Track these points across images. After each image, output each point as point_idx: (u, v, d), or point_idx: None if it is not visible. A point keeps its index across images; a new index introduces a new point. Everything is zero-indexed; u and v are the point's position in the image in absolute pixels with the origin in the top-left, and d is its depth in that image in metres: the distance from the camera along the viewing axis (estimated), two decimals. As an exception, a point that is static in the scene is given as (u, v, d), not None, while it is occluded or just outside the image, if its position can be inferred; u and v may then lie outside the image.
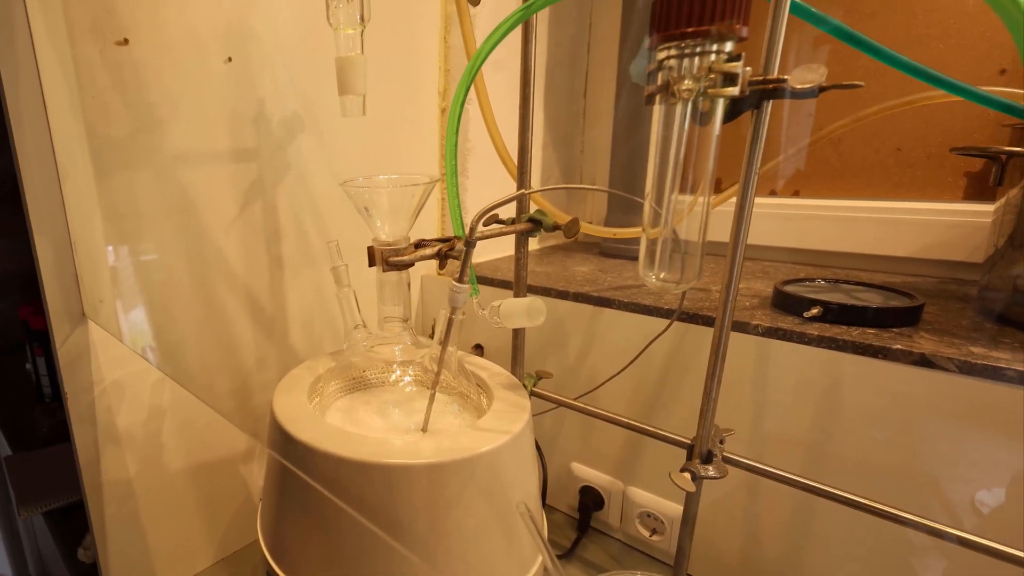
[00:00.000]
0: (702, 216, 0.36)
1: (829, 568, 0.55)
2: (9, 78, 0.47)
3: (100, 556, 0.60)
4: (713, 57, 0.33)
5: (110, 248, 0.56)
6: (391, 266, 0.47)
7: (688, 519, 0.51)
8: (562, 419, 0.74)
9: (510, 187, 0.58)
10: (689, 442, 0.49)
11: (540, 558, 0.49)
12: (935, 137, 0.65)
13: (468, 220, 0.84)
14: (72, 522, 0.81)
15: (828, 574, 0.56)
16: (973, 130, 0.62)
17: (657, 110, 0.35)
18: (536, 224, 0.54)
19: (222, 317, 0.65)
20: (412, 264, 0.48)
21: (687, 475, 0.48)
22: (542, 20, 0.87)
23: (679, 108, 0.35)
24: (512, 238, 0.58)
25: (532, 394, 0.64)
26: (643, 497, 0.68)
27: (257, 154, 0.64)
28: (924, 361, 0.44)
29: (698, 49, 0.33)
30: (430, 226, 0.85)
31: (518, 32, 0.51)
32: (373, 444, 0.43)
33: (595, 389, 0.64)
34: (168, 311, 0.60)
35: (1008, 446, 0.43)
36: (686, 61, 0.33)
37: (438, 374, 0.47)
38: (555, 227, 0.53)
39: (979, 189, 0.64)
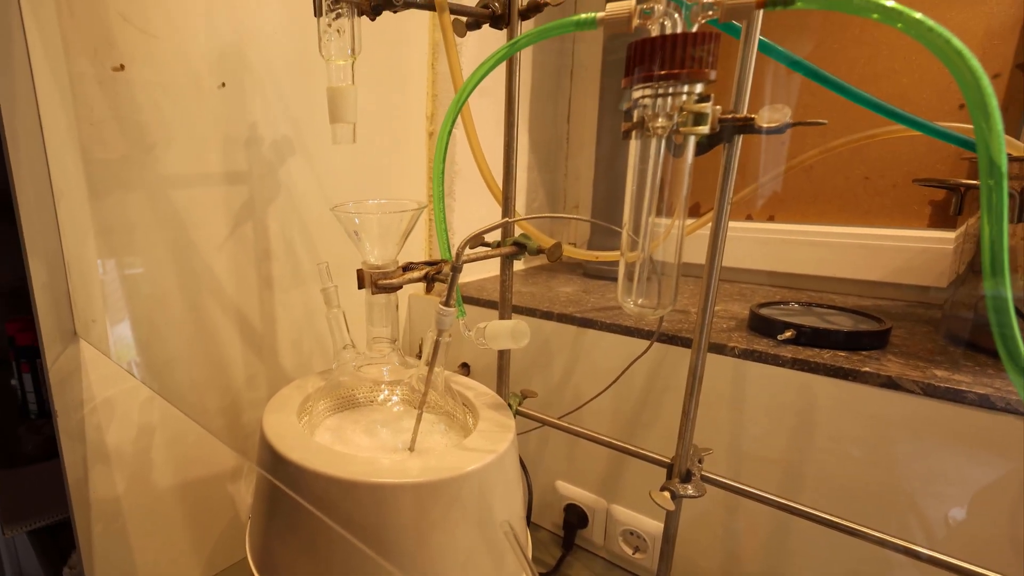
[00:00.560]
0: (677, 244, 0.38)
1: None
2: (6, 101, 0.48)
3: (86, 575, 0.60)
4: (684, 97, 0.35)
5: (100, 266, 0.56)
6: (380, 289, 0.48)
7: (669, 537, 0.52)
8: (547, 438, 0.75)
9: (496, 209, 0.60)
10: (668, 461, 0.50)
11: None
12: (901, 167, 0.68)
13: (455, 241, 0.86)
14: (58, 540, 0.80)
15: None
16: (936, 161, 0.65)
17: (633, 144, 0.37)
18: (520, 248, 0.55)
19: (212, 336, 0.66)
20: (400, 287, 0.49)
21: (666, 494, 0.49)
22: (526, 49, 0.90)
23: (654, 143, 0.36)
24: (498, 259, 0.60)
25: (517, 413, 0.65)
26: (626, 515, 0.68)
27: (248, 176, 0.65)
28: (891, 383, 0.46)
29: (670, 90, 0.35)
30: (418, 246, 0.87)
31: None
32: (361, 463, 0.43)
33: (578, 409, 0.65)
34: (159, 330, 0.61)
35: (970, 465, 0.45)
36: (659, 100, 0.35)
37: (425, 394, 0.48)
38: (539, 251, 0.55)
39: (943, 217, 0.67)
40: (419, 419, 0.49)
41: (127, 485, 0.61)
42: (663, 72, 0.34)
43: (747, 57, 0.36)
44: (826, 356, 0.51)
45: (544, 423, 0.63)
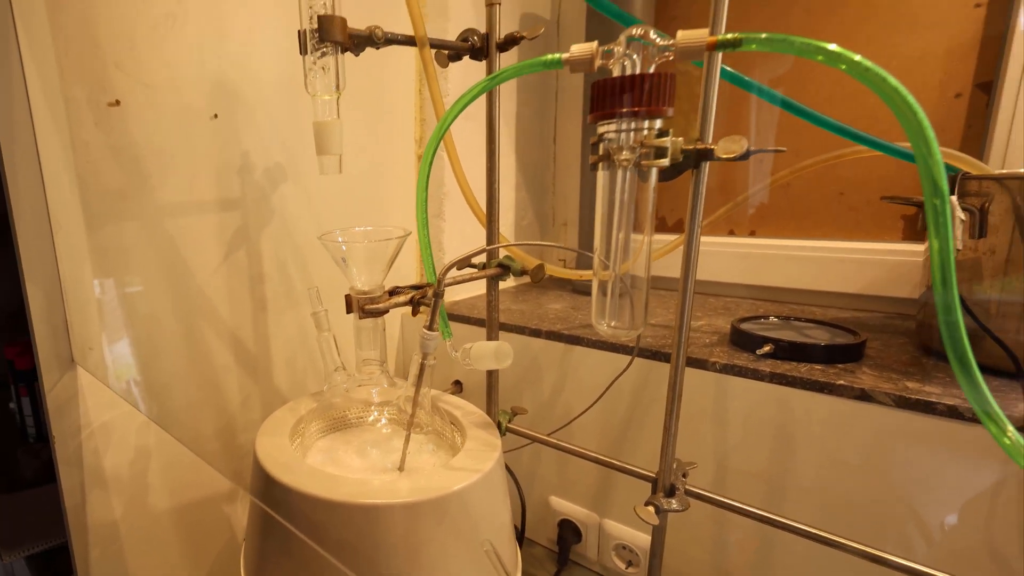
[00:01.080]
0: (645, 268, 0.39)
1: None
2: (5, 134, 0.50)
3: None
4: (645, 132, 0.37)
5: (98, 287, 0.58)
6: (367, 313, 0.49)
7: (656, 551, 0.53)
8: (540, 453, 0.75)
9: (483, 235, 0.61)
10: (653, 476, 0.51)
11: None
12: (873, 184, 0.70)
13: (446, 260, 0.87)
14: (55, 565, 0.80)
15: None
16: (905, 178, 0.67)
17: (601, 175, 0.39)
18: (505, 269, 0.57)
19: (208, 358, 0.67)
20: (386, 311, 0.50)
21: (651, 509, 0.50)
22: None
23: (620, 173, 0.38)
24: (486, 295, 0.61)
25: (508, 430, 0.66)
26: (618, 529, 0.69)
27: (242, 203, 0.67)
28: (865, 396, 0.47)
29: (632, 125, 0.36)
30: (411, 268, 0.88)
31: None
32: (352, 484, 0.44)
33: (566, 425, 0.66)
34: (155, 354, 0.62)
35: (942, 475, 0.46)
36: (623, 135, 0.37)
37: (412, 415, 0.49)
38: (522, 272, 0.56)
39: (914, 230, 0.68)
40: (407, 440, 0.50)
41: (124, 509, 0.62)
42: (624, 110, 0.35)
43: (709, 90, 0.38)
44: (803, 370, 0.52)
45: (533, 440, 0.64)
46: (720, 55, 0.36)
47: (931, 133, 0.28)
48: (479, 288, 0.93)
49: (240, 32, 0.63)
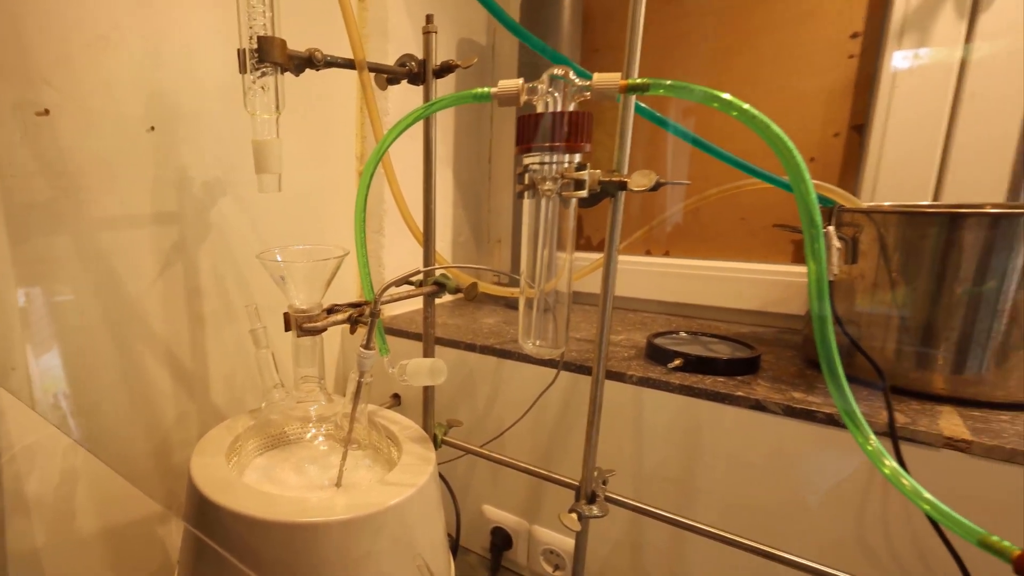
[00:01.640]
0: (567, 287, 0.41)
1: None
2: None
3: None
4: (566, 165, 0.39)
5: (22, 298, 0.54)
6: (305, 332, 0.49)
7: (579, 556, 0.55)
8: (474, 464, 0.76)
9: (420, 254, 0.62)
10: (576, 484, 0.53)
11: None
12: (769, 212, 0.76)
13: (386, 274, 0.87)
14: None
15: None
16: (796, 207, 0.73)
17: (527, 202, 0.41)
18: (440, 287, 0.58)
19: (142, 375, 0.64)
20: (324, 330, 0.50)
21: (574, 516, 0.52)
22: (446, 90, 0.92)
23: (543, 201, 0.40)
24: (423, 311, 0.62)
25: (443, 442, 0.67)
26: (546, 535, 0.71)
27: (179, 217, 0.64)
28: (759, 406, 0.51)
29: (554, 159, 0.39)
30: (351, 281, 0.87)
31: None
32: (289, 503, 0.44)
33: (498, 437, 0.67)
34: (86, 371, 0.59)
35: (823, 476, 0.50)
36: (546, 167, 0.39)
37: (349, 432, 0.49)
38: (457, 290, 0.57)
39: (802, 254, 0.75)
40: (344, 456, 0.50)
41: (48, 536, 0.58)
42: (546, 144, 0.37)
43: (625, 126, 0.41)
44: (708, 382, 0.55)
45: (467, 451, 0.65)
46: (633, 100, 0.39)
47: (807, 173, 0.31)
48: (417, 303, 0.93)
49: (177, 48, 0.61)
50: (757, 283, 0.75)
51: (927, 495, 0.30)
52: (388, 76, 0.59)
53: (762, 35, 0.74)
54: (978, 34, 0.60)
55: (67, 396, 0.59)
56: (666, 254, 0.84)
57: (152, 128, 0.60)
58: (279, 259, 0.50)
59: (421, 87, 0.58)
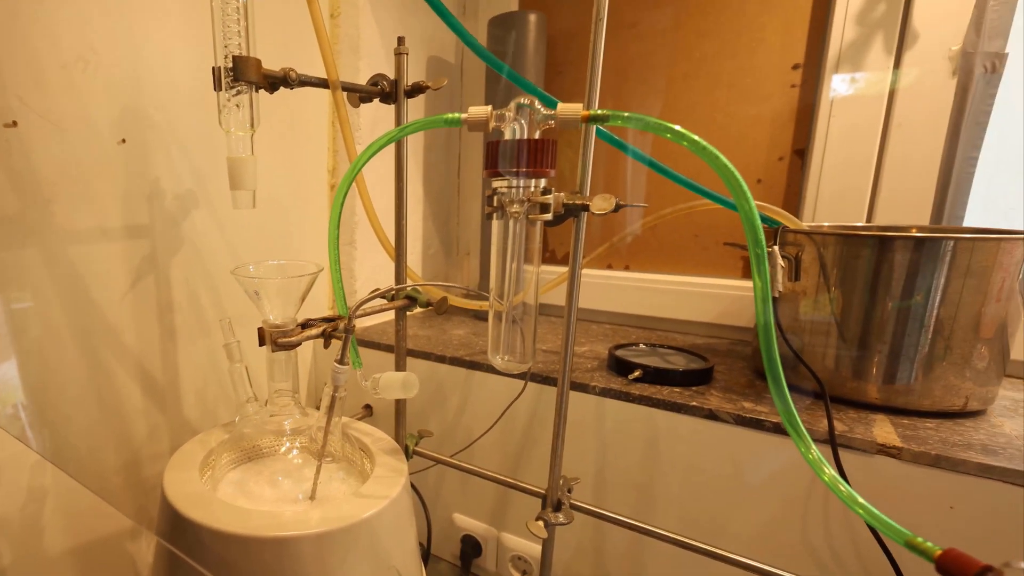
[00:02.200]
0: (534, 300, 0.42)
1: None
2: None
3: None
4: (532, 189, 0.40)
5: None
6: (279, 347, 0.48)
7: (546, 561, 0.55)
8: (444, 473, 0.76)
9: (391, 269, 0.62)
10: (542, 492, 0.53)
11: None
12: (720, 229, 0.79)
13: (358, 286, 0.86)
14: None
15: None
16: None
17: (496, 223, 0.41)
18: (412, 301, 0.58)
19: (112, 389, 0.61)
20: (299, 344, 0.50)
21: (540, 523, 0.52)
22: (417, 105, 0.93)
23: (511, 222, 0.41)
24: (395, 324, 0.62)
25: (415, 453, 0.67)
26: (514, 542, 0.71)
27: (151, 230, 0.62)
28: (711, 415, 0.53)
29: (521, 183, 0.39)
30: (324, 295, 0.86)
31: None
32: (263, 517, 0.43)
33: (467, 448, 0.68)
34: (51, 386, 0.56)
35: (771, 482, 0.52)
36: (513, 190, 0.40)
37: (323, 446, 0.49)
38: (428, 304, 0.57)
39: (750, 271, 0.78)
40: (319, 469, 0.49)
41: (14, 556, 0.55)
42: (513, 169, 0.38)
43: (587, 152, 0.42)
44: (665, 392, 0.57)
45: (438, 462, 0.65)
46: (594, 131, 0.40)
47: (751, 198, 0.33)
48: (389, 314, 0.92)
49: (152, 63, 0.60)
50: (710, 296, 0.77)
51: (861, 500, 0.32)
52: (361, 95, 0.59)
53: (715, 62, 0.77)
54: (904, 64, 0.64)
55: (26, 407, 0.56)
56: (626, 268, 0.86)
57: (123, 140, 0.59)
58: (253, 275, 0.49)
59: (393, 106, 0.58)
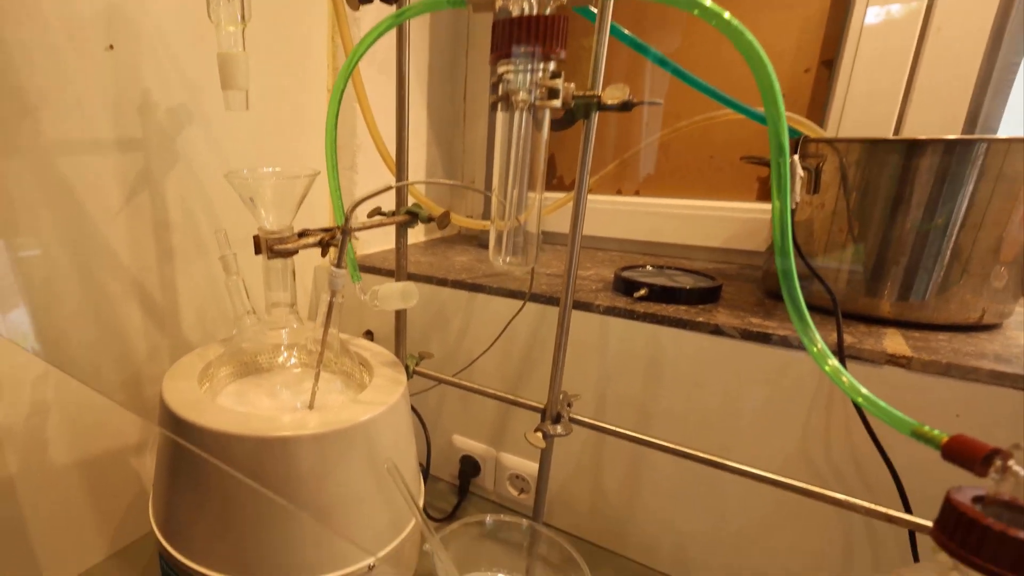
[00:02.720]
0: (537, 207, 0.41)
1: (659, 505, 0.63)
2: None
3: None
4: (540, 74, 0.38)
5: None
6: (275, 253, 0.47)
7: (543, 475, 0.56)
8: (444, 396, 0.77)
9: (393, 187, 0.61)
10: (542, 407, 0.54)
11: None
12: (737, 148, 0.76)
13: (357, 213, 0.85)
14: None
15: (657, 510, 0.64)
16: (763, 144, 0.73)
17: (500, 116, 0.40)
18: (413, 216, 0.57)
19: (110, 308, 0.62)
20: (296, 252, 0.49)
21: (539, 434, 0.53)
22: (422, 27, 0.89)
23: (517, 114, 0.39)
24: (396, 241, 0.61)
25: (415, 373, 0.67)
26: (512, 461, 0.73)
27: (144, 144, 0.61)
28: (717, 330, 0.53)
29: (529, 67, 0.37)
30: (324, 215, 0.85)
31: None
32: (262, 420, 0.43)
33: (468, 367, 0.68)
34: (50, 304, 0.57)
35: (775, 395, 0.53)
36: (520, 76, 0.38)
37: (321, 354, 0.49)
38: (429, 219, 0.56)
39: (766, 191, 0.76)
40: (317, 378, 0.50)
41: (20, 465, 0.57)
42: (520, 50, 0.36)
43: (601, 39, 0.39)
44: (670, 310, 0.56)
45: (438, 380, 0.65)
46: (611, 5, 0.38)
47: (778, 92, 0.31)
48: (390, 242, 0.92)
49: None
50: (722, 220, 0.75)
51: (864, 391, 0.31)
52: (360, -6, 0.56)
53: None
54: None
55: (33, 329, 0.57)
56: (636, 193, 0.84)
57: (111, 47, 0.57)
58: (248, 177, 0.48)
59: (394, 6, 0.56)
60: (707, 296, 0.58)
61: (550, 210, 0.67)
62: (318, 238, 0.50)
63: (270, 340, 0.56)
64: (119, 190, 0.60)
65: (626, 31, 0.48)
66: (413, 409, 0.64)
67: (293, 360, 0.56)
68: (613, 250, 0.87)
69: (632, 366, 0.59)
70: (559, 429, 0.53)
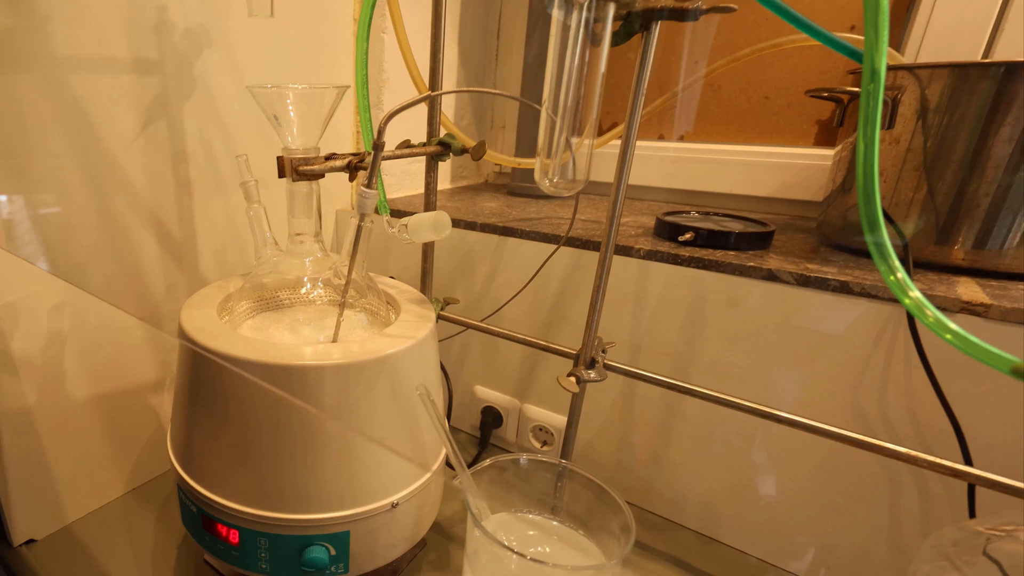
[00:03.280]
0: (592, 124, 0.38)
1: (687, 461, 0.61)
2: None
3: (0, 488, 0.56)
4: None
5: None
6: (300, 175, 0.45)
7: (573, 421, 0.55)
8: (468, 346, 0.76)
9: (423, 119, 0.58)
10: (575, 352, 0.52)
11: (443, 451, 0.51)
12: (796, 85, 0.71)
13: (386, 147, 0.82)
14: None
15: (685, 465, 0.62)
16: (826, 79, 0.68)
17: (556, 14, 0.36)
18: (445, 147, 0.54)
19: (127, 240, 0.60)
20: (322, 175, 0.47)
21: (572, 379, 0.51)
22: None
23: (575, 18, 0.35)
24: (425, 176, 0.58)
25: (440, 318, 0.65)
26: (536, 412, 0.71)
27: (160, 67, 0.59)
28: (771, 276, 0.50)
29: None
30: (347, 143, 0.83)
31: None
32: (285, 350, 0.42)
33: (496, 311, 0.66)
34: (67, 236, 0.55)
35: (825, 347, 0.50)
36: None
37: (348, 282, 0.47)
38: (463, 150, 0.54)
39: (826, 135, 0.71)
40: (342, 308, 0.48)
41: (38, 396, 0.56)
42: None
43: None
44: (718, 255, 0.53)
45: (464, 325, 0.63)
46: None
47: (887, 14, 0.27)
48: (415, 186, 0.89)
49: None
50: (775, 167, 0.71)
51: (953, 326, 0.28)
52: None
53: None
54: None
55: (48, 258, 0.55)
56: (681, 139, 0.80)
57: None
58: (272, 89, 0.45)
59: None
60: (758, 242, 0.55)
61: (602, 142, 0.63)
62: (346, 161, 0.47)
63: (292, 272, 0.54)
64: (134, 116, 0.58)
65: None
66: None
67: (317, 293, 0.54)
68: (652, 200, 0.83)
69: (672, 316, 0.57)
70: (593, 374, 0.51)
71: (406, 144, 0.55)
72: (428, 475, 0.48)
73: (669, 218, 0.59)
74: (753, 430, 0.56)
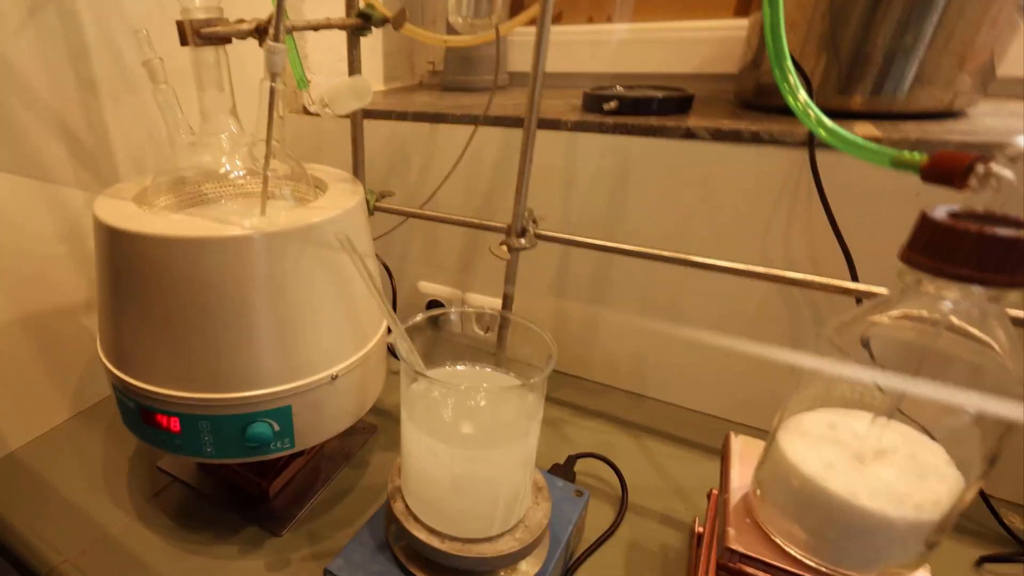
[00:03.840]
0: None
1: (619, 325, 0.65)
2: None
3: None
4: None
5: None
6: (204, 39, 0.42)
7: (509, 296, 0.56)
8: (408, 241, 0.75)
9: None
10: (507, 226, 0.53)
11: (384, 323, 0.51)
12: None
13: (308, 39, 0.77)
14: None
15: (616, 329, 0.65)
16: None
17: None
18: (365, 19, 0.51)
19: (30, 145, 0.55)
20: (228, 39, 0.44)
21: (504, 247, 0.52)
22: None
23: None
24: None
25: (376, 209, 0.65)
26: (478, 300, 0.73)
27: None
28: (689, 133, 0.51)
29: None
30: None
31: None
32: (206, 225, 0.40)
33: (432, 197, 0.66)
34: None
35: (738, 198, 0.52)
36: None
37: (268, 150, 0.44)
38: (384, 20, 0.51)
39: (745, 5, 0.72)
40: (266, 181, 0.46)
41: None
42: None
43: None
44: (640, 120, 0.54)
45: (402, 214, 0.63)
46: None
47: None
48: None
49: None
50: (696, 43, 0.72)
51: (829, 123, 0.30)
52: None
53: None
54: None
55: None
56: (608, 20, 0.79)
57: None
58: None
59: None
60: (679, 106, 0.56)
61: (513, 25, 0.61)
62: (254, 25, 0.44)
63: (208, 153, 0.51)
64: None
65: None
66: (377, 257, 0.62)
67: (238, 175, 0.52)
68: (578, 87, 0.83)
69: (599, 184, 0.58)
70: (523, 242, 0.52)
71: (326, 23, 0.52)
72: (369, 346, 0.49)
73: (595, 91, 0.60)
74: (674, 288, 0.59)
